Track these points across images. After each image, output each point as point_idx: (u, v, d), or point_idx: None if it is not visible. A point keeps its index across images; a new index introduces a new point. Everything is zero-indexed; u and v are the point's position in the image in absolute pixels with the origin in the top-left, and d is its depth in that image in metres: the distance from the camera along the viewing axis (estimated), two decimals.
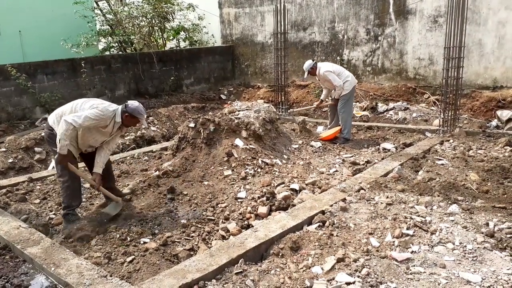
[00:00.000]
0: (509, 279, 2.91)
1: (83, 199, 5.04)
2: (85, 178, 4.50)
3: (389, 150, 6.46)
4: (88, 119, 4.03)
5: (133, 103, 4.29)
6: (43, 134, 7.18)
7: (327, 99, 7.51)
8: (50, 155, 6.91)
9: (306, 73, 7.12)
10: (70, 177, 4.31)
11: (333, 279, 3.05)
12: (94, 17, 12.38)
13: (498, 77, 8.23)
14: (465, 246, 3.37)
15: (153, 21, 11.94)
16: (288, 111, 7.35)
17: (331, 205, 4.22)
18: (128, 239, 3.99)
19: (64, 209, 4.39)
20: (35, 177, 5.72)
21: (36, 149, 6.94)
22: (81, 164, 5.01)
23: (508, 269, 3.02)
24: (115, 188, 5.03)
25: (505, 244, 3.36)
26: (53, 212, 4.73)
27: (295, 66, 10.98)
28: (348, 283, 2.98)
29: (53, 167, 5.93)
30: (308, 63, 7.06)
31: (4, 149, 6.63)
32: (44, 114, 8.55)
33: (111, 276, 3.22)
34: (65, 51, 10.86)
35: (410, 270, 3.12)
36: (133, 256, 3.66)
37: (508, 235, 3.49)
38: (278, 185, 4.91)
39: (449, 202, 4.23)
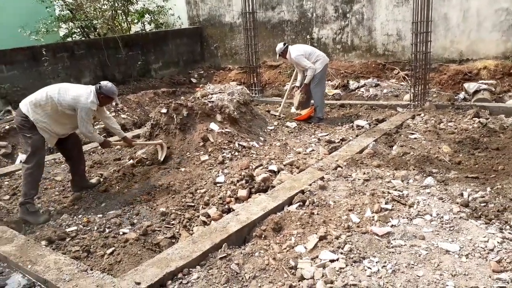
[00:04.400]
0: (486, 246, 3.02)
1: (56, 192, 4.90)
2: (120, 145, 5.47)
3: (362, 127, 6.54)
4: (87, 121, 4.47)
5: (106, 84, 4.53)
6: (7, 127, 6.89)
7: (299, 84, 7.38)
8: (17, 148, 6.61)
9: (277, 56, 7.21)
10: (35, 165, 4.32)
11: (317, 257, 3.08)
12: (52, 1, 11.79)
13: (463, 50, 8.41)
14: (442, 217, 3.47)
15: (116, 4, 11.47)
16: (277, 114, 7.33)
17: (310, 184, 4.24)
18: (107, 230, 3.90)
19: (23, 197, 4.28)
20: (2, 172, 5.48)
21: (1, 143, 6.62)
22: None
23: (484, 237, 3.13)
24: (84, 176, 4.98)
25: (479, 213, 3.47)
26: None
27: (265, 46, 10.87)
28: (332, 260, 3.02)
29: (21, 161, 5.71)
30: (279, 47, 7.06)
31: None
32: (6, 106, 8.13)
33: (91, 269, 3.14)
34: (24, 39, 10.31)
35: (391, 243, 3.18)
36: (113, 248, 3.57)
37: (482, 204, 3.61)
38: (256, 167, 4.89)
39: (424, 175, 4.33)
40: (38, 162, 4.36)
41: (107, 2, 11.37)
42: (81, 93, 4.41)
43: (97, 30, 11.66)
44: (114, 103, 5.32)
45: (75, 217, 4.25)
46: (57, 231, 3.91)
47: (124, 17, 12.24)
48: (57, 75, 9.13)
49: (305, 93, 7.19)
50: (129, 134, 6.96)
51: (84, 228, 4.00)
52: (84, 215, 4.26)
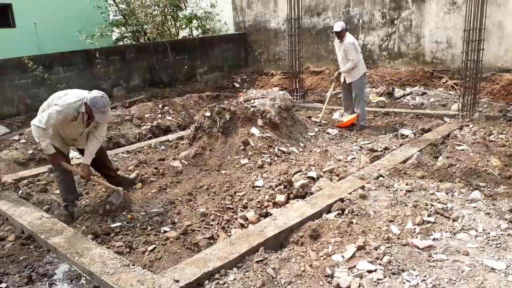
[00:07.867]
0: None
1: (103, 189, 5.10)
2: (74, 171, 4.48)
3: (407, 136, 6.37)
4: (51, 117, 3.97)
5: (94, 93, 4.01)
6: None
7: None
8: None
9: (338, 28, 6.84)
10: (61, 172, 4.41)
11: (354, 267, 3.04)
12: (107, 7, 12.41)
13: None
14: (489, 233, 3.32)
15: (166, 10, 11.91)
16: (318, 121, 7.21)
17: (350, 193, 4.19)
18: (149, 228, 4.04)
19: (63, 201, 4.50)
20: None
21: None
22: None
23: None
24: (119, 176, 5.04)
25: None
26: None
27: (309, 52, 10.85)
28: (369, 271, 2.96)
29: (71, 157, 5.98)
30: (341, 24, 6.88)
31: (24, 141, 6.74)
32: None
33: (133, 265, 3.26)
34: (80, 42, 10.93)
35: (433, 257, 3.08)
36: (154, 245, 3.69)
37: None
38: (295, 173, 4.89)
39: (471, 188, 4.16)
40: (62, 169, 4.35)
41: (157, 8, 11.82)
42: (70, 94, 4.09)
43: (147, 34, 12.12)
44: (96, 121, 4.11)
45: (120, 214, 4.42)
46: (103, 226, 4.09)
47: (173, 22, 12.67)
48: (108, 77, 9.58)
49: (338, 84, 7.04)
50: (173, 136, 7.20)
51: (128, 224, 4.16)
52: (128, 212, 4.43)
